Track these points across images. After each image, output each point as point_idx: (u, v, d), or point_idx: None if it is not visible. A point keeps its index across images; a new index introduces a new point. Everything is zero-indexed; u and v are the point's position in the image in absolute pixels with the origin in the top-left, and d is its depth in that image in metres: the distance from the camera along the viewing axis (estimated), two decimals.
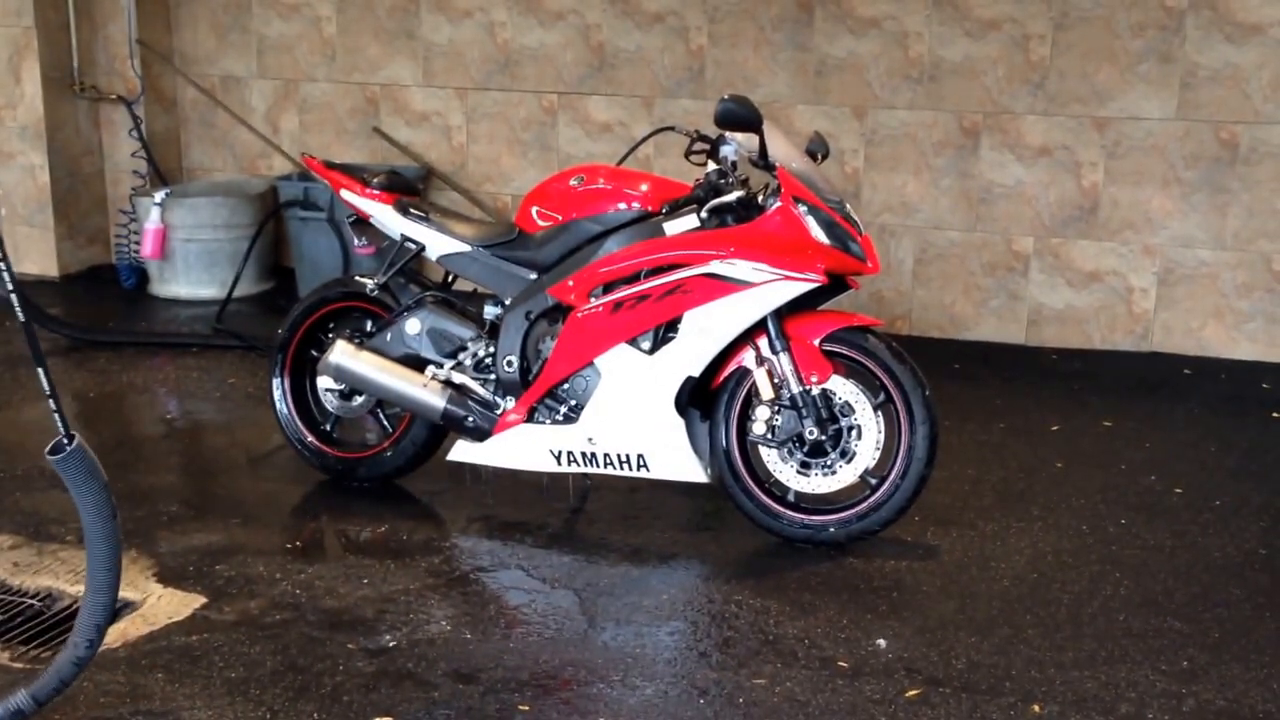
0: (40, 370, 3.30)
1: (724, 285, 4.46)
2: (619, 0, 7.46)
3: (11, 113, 8.07)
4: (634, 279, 4.59)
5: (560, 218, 4.77)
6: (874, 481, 4.59)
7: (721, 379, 4.64)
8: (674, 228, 4.59)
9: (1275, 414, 6.07)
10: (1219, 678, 3.80)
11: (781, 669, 3.82)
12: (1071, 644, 3.98)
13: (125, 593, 4.19)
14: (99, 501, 3.26)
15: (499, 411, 4.81)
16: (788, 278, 4.44)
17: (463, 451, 4.87)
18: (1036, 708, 3.63)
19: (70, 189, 8.24)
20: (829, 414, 4.54)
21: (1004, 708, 3.62)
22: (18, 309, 3.34)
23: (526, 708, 3.59)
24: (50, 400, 3.29)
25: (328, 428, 5.21)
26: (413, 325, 4.94)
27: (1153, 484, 5.24)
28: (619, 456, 4.66)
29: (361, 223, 5.11)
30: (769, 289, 4.45)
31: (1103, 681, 3.77)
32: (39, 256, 8.23)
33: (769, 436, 4.58)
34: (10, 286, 3.32)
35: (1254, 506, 5.02)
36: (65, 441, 3.23)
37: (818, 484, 4.60)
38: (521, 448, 4.76)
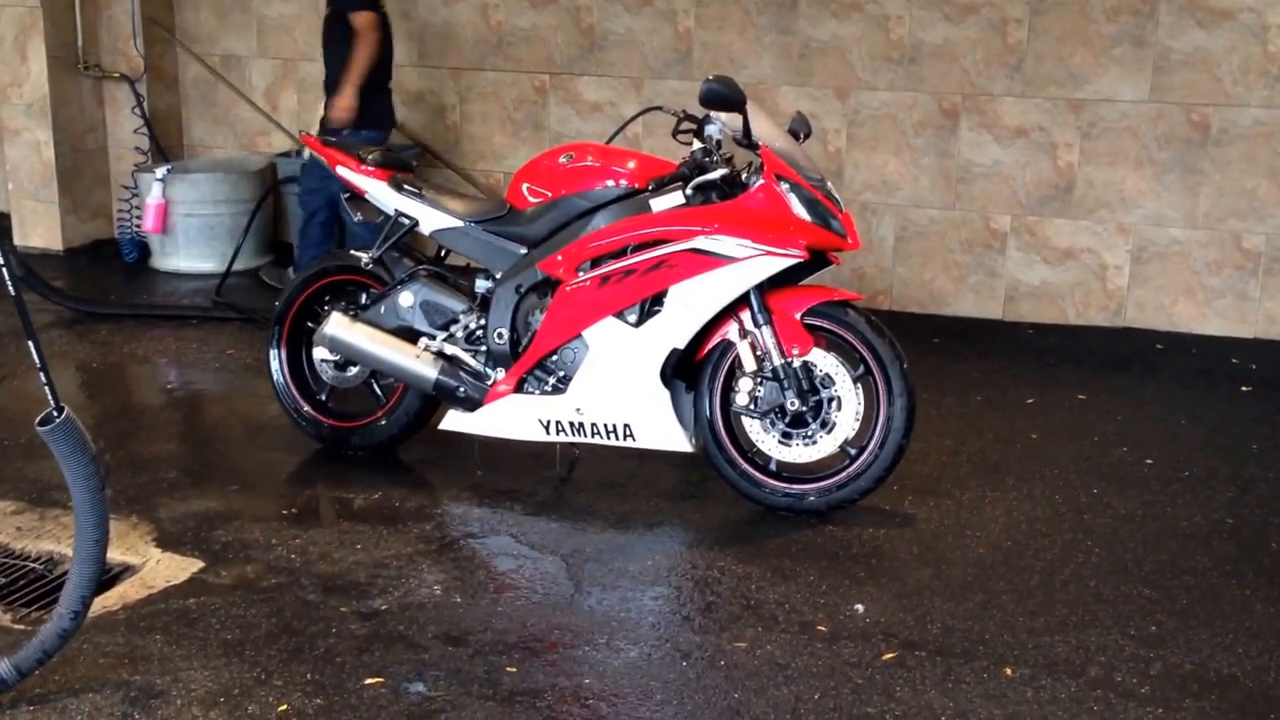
0: (31, 343, 3.35)
1: (708, 260, 4.53)
2: None
3: (17, 90, 8.14)
4: (621, 254, 4.66)
5: (550, 194, 4.84)
6: (853, 451, 4.66)
7: (706, 351, 4.71)
8: (660, 204, 4.65)
9: (1244, 388, 6.15)
10: (1186, 642, 3.87)
11: (762, 633, 3.88)
12: (1043, 609, 4.05)
13: (125, 557, 4.28)
14: (87, 473, 3.31)
15: (489, 382, 4.87)
16: (770, 253, 4.51)
17: (454, 421, 4.94)
18: (1009, 670, 3.69)
19: (74, 165, 8.31)
20: (810, 386, 4.61)
21: (977, 670, 3.69)
22: (8, 281, 3.40)
23: (514, 669, 3.65)
24: (41, 372, 3.34)
25: (323, 397, 5.27)
26: (406, 298, 5.01)
27: (1124, 455, 5.31)
28: (606, 426, 4.74)
29: (357, 199, 5.17)
30: (752, 264, 4.52)
31: (1073, 645, 3.83)
32: (44, 230, 8.31)
33: (752, 407, 4.65)
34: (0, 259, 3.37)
35: (1222, 477, 5.10)
36: (55, 413, 3.29)
37: (799, 454, 4.67)
38: (511, 417, 4.83)
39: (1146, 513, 4.79)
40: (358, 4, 6.72)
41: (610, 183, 4.77)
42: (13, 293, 3.42)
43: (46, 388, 3.34)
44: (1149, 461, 5.26)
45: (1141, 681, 3.66)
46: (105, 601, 3.98)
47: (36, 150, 8.20)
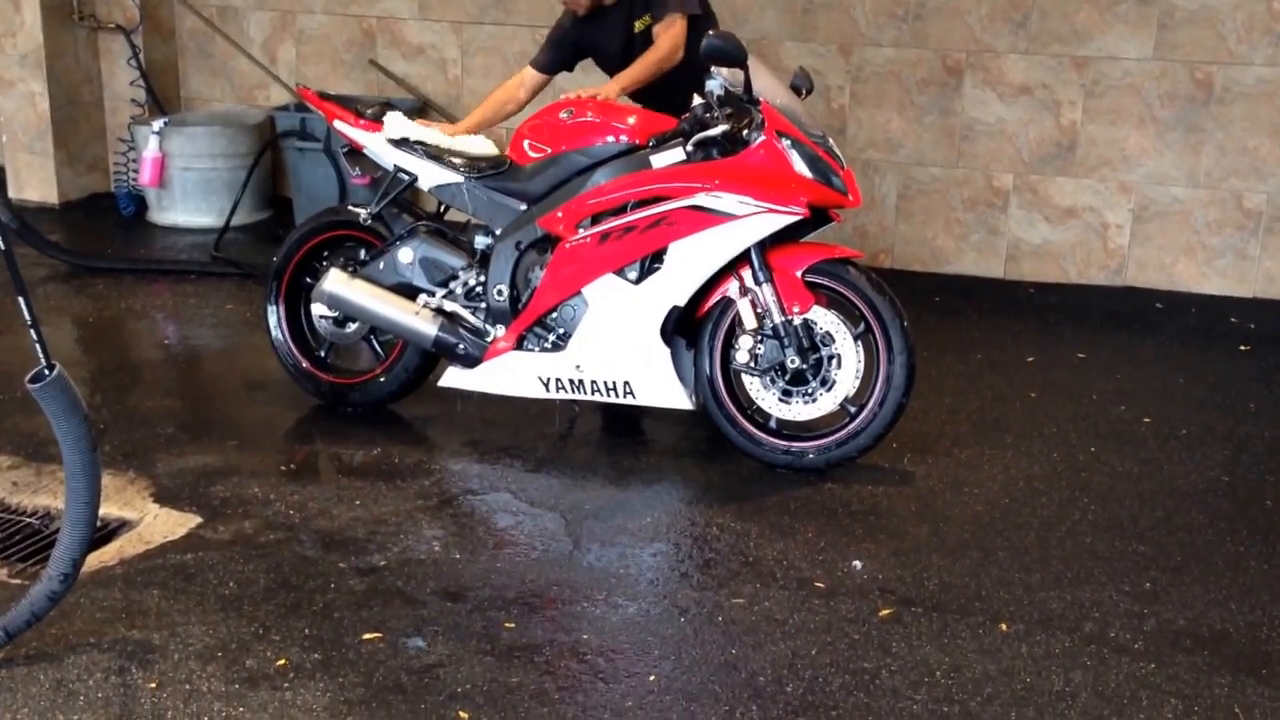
0: (21, 299, 3.34)
1: (709, 217, 4.52)
2: None
3: (11, 40, 8.06)
4: (621, 211, 4.65)
5: (550, 150, 4.82)
6: (853, 409, 4.66)
7: (706, 309, 4.71)
8: (660, 161, 4.64)
9: (1242, 347, 6.15)
10: (1179, 598, 3.90)
11: (760, 589, 3.90)
12: (1039, 566, 4.07)
13: (122, 512, 4.31)
14: (78, 433, 3.29)
15: (489, 339, 4.87)
16: (771, 210, 4.50)
17: (453, 378, 4.94)
18: (1004, 626, 3.72)
19: (69, 117, 8.25)
20: (810, 343, 4.61)
21: (973, 626, 3.71)
22: None
23: (512, 625, 3.67)
24: (31, 329, 3.34)
25: (322, 354, 5.26)
26: (405, 254, 4.99)
27: (1122, 414, 5.32)
28: (606, 384, 4.74)
29: (356, 153, 5.14)
30: (753, 221, 4.51)
31: (1068, 601, 3.86)
32: (39, 183, 8.27)
33: (752, 365, 4.66)
34: None
35: (1218, 436, 5.12)
36: (45, 371, 3.28)
37: (799, 411, 4.68)
38: (511, 374, 4.83)
39: (1143, 470, 4.81)
40: None
41: (611, 139, 4.76)
42: (1, 247, 3.41)
43: (37, 345, 3.32)
44: (1147, 420, 5.26)
45: (1135, 637, 3.69)
46: (102, 556, 4.00)
47: (31, 102, 8.14)
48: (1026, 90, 6.89)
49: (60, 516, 4.18)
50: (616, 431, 5.13)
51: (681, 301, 4.63)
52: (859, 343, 4.63)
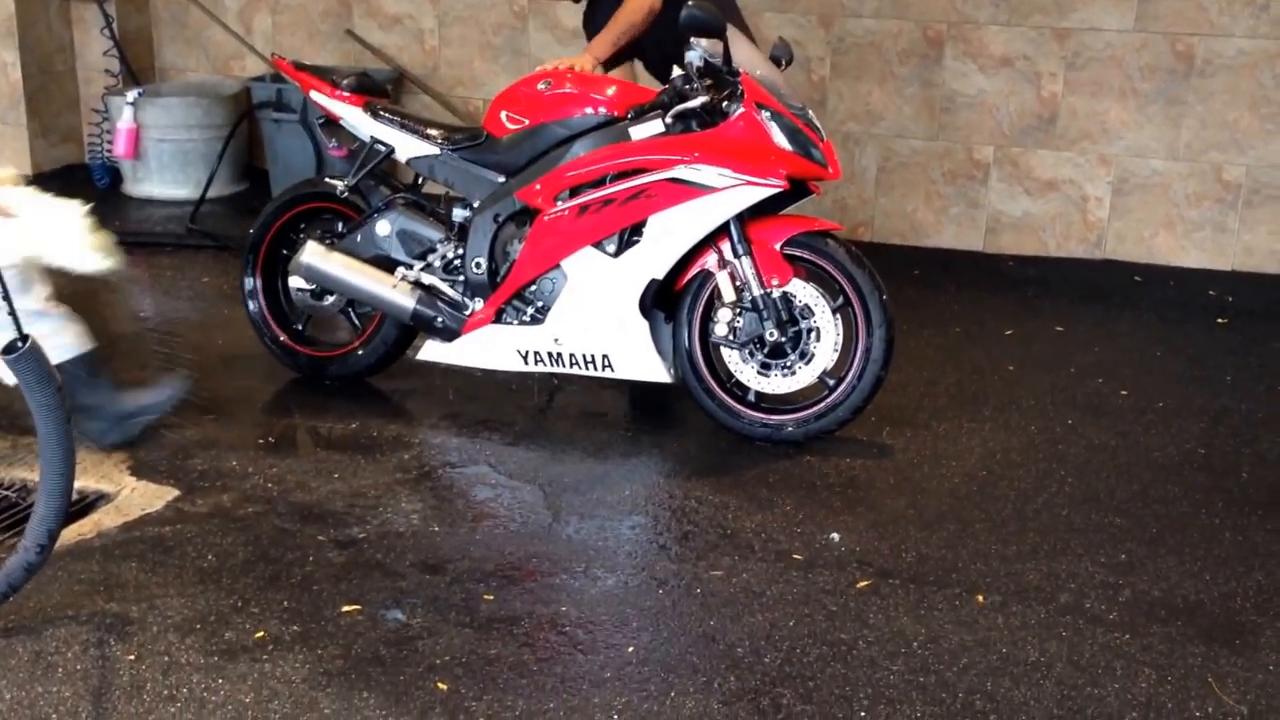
0: None
1: (688, 190, 4.51)
2: None
3: None
4: (600, 183, 4.64)
5: (528, 121, 4.80)
6: (832, 382, 4.67)
7: (685, 281, 4.71)
8: (639, 133, 4.62)
9: (1220, 320, 6.17)
10: (1154, 570, 3.92)
11: (738, 561, 3.91)
12: (1016, 538, 4.09)
13: (100, 485, 4.30)
14: (52, 405, 3.27)
15: (467, 312, 4.86)
16: (750, 183, 4.49)
17: (432, 351, 4.93)
18: (980, 598, 3.73)
19: (42, 87, 8.16)
20: (789, 316, 4.61)
21: (950, 598, 3.73)
22: None
23: (491, 597, 3.68)
24: (4, 301, 3.32)
25: (299, 326, 5.25)
26: (383, 227, 4.97)
27: (1100, 386, 5.33)
28: (584, 356, 4.74)
29: (332, 125, 5.12)
30: (732, 194, 4.50)
31: (1044, 573, 3.88)
32: (12, 154, 8.15)
33: (730, 338, 4.66)
34: None
35: (1195, 409, 5.14)
36: (19, 343, 3.27)
37: (777, 384, 4.68)
38: (489, 348, 4.82)
39: (1120, 443, 4.82)
40: None
41: (589, 110, 4.74)
42: None
43: (10, 317, 3.31)
44: (1124, 392, 5.28)
45: (1110, 607, 3.71)
46: (80, 529, 3.99)
47: (3, 72, 8.03)
48: (1007, 62, 6.88)
49: (37, 488, 4.22)
50: (595, 405, 5.12)
51: (660, 274, 4.62)
52: (838, 316, 4.63)
